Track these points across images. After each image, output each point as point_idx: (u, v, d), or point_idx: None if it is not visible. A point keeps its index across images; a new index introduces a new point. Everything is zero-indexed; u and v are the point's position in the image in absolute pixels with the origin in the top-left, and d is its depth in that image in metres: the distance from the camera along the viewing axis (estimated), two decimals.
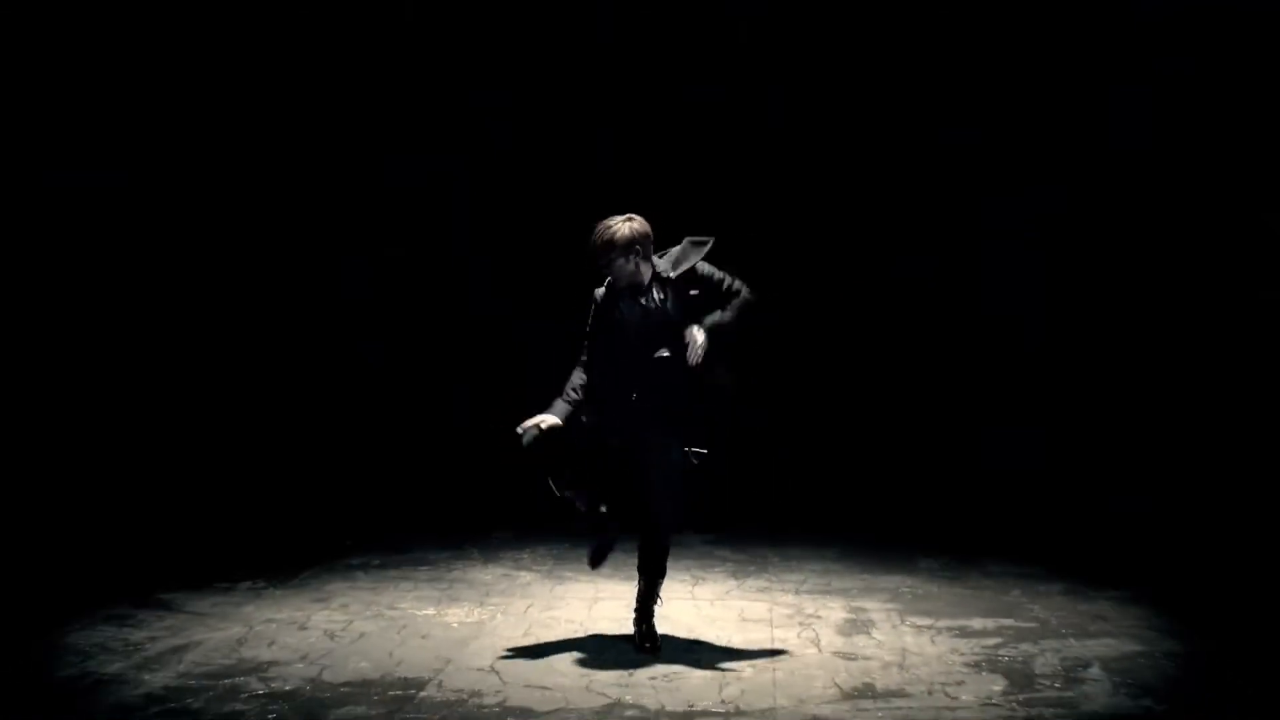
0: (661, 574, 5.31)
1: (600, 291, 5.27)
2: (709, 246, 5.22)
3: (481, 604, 5.98)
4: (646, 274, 5.17)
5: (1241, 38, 8.02)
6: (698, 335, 5.08)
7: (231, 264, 8.62)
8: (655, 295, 5.16)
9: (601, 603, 5.99)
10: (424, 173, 8.67)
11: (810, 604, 5.95)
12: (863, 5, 8.44)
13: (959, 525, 7.60)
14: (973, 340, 8.48)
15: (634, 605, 5.33)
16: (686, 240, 5.27)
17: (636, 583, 5.33)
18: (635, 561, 5.31)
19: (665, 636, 5.36)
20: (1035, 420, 8.27)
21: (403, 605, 5.96)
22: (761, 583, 6.39)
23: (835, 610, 5.84)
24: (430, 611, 5.85)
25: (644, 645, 5.24)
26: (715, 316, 5.15)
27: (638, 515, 5.24)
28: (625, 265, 5.13)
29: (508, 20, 8.53)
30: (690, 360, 5.07)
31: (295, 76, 8.59)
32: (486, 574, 6.53)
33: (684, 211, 8.48)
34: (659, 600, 5.36)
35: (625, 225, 5.10)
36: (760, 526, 7.62)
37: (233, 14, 8.46)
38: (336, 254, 8.71)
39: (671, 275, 5.16)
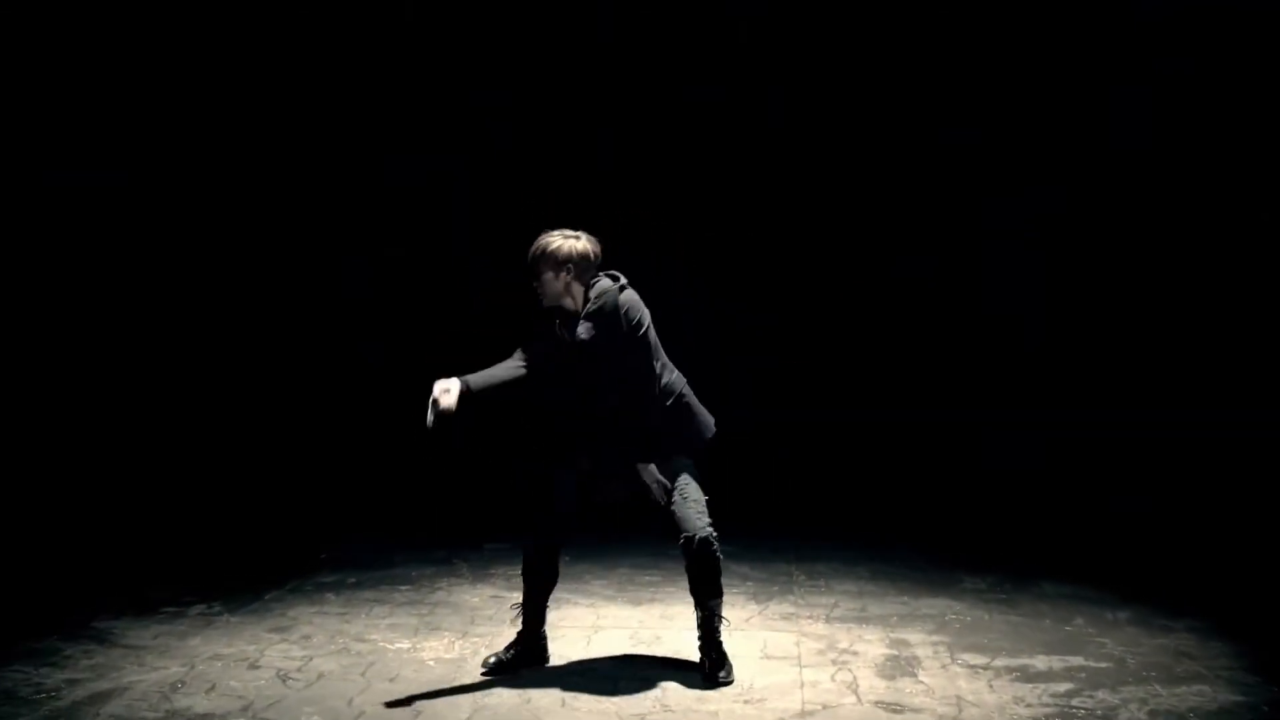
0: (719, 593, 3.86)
1: None
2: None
3: (464, 634, 4.31)
4: (578, 299, 3.84)
5: (1241, 38, 6.91)
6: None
7: (231, 264, 7.34)
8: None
9: (602, 633, 4.35)
10: (424, 173, 7.45)
11: (844, 636, 4.29)
12: (863, 5, 7.26)
13: (997, 537, 5.74)
14: (973, 340, 7.21)
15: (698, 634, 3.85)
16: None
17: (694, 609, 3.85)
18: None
19: (676, 677, 3.75)
20: (1035, 420, 6.93)
21: (373, 636, 4.30)
22: (787, 608, 4.66)
23: (873, 644, 4.20)
24: (404, 645, 4.20)
25: (717, 676, 3.82)
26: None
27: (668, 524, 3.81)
28: (554, 283, 3.83)
29: (508, 20, 7.34)
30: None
31: (295, 76, 7.34)
32: (474, 595, 4.80)
33: (684, 211, 7.18)
34: (723, 621, 3.90)
35: (564, 240, 3.85)
36: (784, 541, 5.74)
37: (232, 14, 7.26)
38: (336, 254, 7.45)
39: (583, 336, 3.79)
